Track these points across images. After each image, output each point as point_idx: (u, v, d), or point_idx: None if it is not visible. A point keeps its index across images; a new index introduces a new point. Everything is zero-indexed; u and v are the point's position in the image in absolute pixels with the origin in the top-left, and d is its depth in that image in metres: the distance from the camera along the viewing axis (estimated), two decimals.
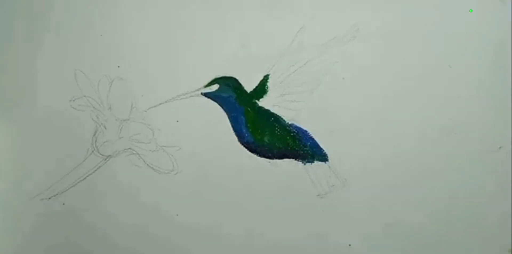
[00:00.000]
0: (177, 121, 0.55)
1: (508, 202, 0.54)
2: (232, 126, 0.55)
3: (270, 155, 0.55)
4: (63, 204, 0.54)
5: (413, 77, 0.56)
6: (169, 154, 0.54)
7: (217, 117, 0.55)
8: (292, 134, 0.55)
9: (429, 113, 0.55)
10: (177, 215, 0.54)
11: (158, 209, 0.54)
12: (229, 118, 0.55)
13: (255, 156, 0.55)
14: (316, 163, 0.55)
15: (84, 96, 0.54)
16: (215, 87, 0.55)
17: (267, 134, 0.55)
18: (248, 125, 0.54)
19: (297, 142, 0.55)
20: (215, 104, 0.55)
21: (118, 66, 0.55)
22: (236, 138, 0.55)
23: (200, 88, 0.55)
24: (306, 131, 0.55)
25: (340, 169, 0.55)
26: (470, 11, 0.57)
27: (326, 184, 0.55)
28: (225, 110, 0.55)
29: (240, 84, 0.55)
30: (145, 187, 0.54)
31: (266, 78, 0.55)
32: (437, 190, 0.54)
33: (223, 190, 0.55)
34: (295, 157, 0.55)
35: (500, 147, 0.55)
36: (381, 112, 0.55)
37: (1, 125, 0.55)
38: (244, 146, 0.55)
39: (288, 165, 0.55)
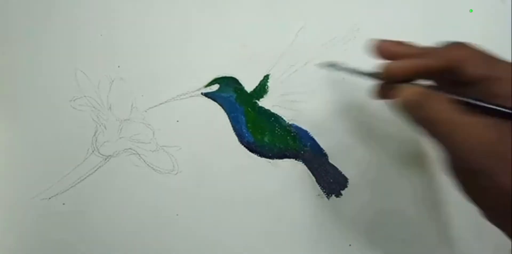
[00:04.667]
0: (177, 121, 0.55)
1: None
2: (232, 126, 0.55)
3: (270, 155, 0.55)
4: (63, 204, 0.53)
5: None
6: (169, 154, 0.54)
7: (217, 117, 0.55)
8: (292, 134, 0.55)
9: None
10: (177, 215, 0.54)
11: (158, 209, 0.54)
12: (229, 118, 0.55)
13: (255, 156, 0.55)
14: None
15: (84, 96, 0.54)
16: (215, 87, 0.55)
17: (267, 134, 0.55)
18: (248, 125, 0.54)
19: (297, 142, 0.55)
20: (215, 104, 0.55)
21: (118, 66, 0.55)
22: (236, 138, 0.55)
23: (200, 88, 0.55)
24: (306, 131, 0.55)
25: (340, 169, 0.55)
26: (470, 11, 0.57)
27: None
28: (225, 110, 0.55)
29: (240, 84, 0.55)
30: (145, 187, 0.54)
31: (266, 78, 0.55)
32: (437, 190, 0.54)
33: (223, 190, 0.55)
34: (295, 157, 0.55)
35: None
36: (381, 112, 0.55)
37: (1, 125, 0.54)
38: (244, 146, 0.55)
39: (288, 165, 0.55)
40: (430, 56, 0.40)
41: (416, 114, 0.38)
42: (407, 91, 0.39)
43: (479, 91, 0.38)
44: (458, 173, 0.38)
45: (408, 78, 0.40)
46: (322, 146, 0.55)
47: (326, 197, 0.55)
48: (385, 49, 0.45)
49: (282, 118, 0.55)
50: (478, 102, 0.37)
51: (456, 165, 0.38)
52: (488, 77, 0.38)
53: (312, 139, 0.55)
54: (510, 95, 0.36)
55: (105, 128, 0.54)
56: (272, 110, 0.56)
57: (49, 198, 0.53)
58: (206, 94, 0.55)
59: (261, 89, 0.56)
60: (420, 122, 0.38)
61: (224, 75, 0.55)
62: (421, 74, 0.40)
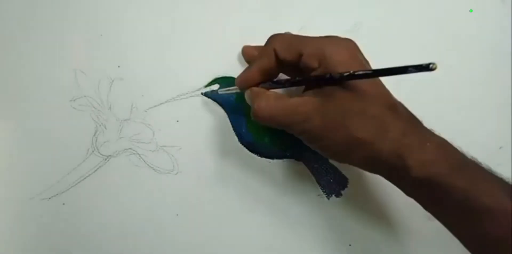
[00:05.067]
0: (177, 121, 0.55)
1: None
2: (232, 126, 0.55)
3: (270, 155, 0.55)
4: (63, 204, 0.54)
5: (413, 77, 0.56)
6: (170, 154, 0.54)
7: (217, 117, 0.55)
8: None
9: (429, 114, 0.55)
10: (177, 215, 0.54)
11: (158, 209, 0.54)
12: (229, 118, 0.55)
13: (255, 156, 0.55)
14: None
15: (84, 96, 0.54)
16: (215, 87, 0.55)
17: (267, 134, 0.55)
18: (248, 125, 0.54)
19: (298, 142, 0.55)
20: (215, 104, 0.55)
21: (118, 66, 0.55)
22: (236, 138, 0.55)
23: (200, 88, 0.55)
24: None
25: (340, 169, 0.55)
26: (470, 11, 0.57)
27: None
28: (225, 110, 0.55)
29: None
30: (145, 187, 0.54)
31: None
32: None
33: (223, 190, 0.55)
34: (295, 157, 0.55)
35: (500, 147, 0.55)
36: None
37: (1, 125, 0.54)
38: (244, 146, 0.55)
39: (288, 165, 0.55)
40: (260, 57, 0.45)
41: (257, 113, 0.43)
42: (246, 95, 0.46)
43: (305, 70, 0.43)
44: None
45: (261, 82, 0.46)
46: None
47: (326, 197, 0.55)
48: (246, 54, 0.53)
49: None
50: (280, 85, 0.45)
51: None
52: (298, 57, 0.43)
53: None
54: (317, 66, 0.41)
55: (105, 127, 0.54)
56: None
57: (49, 198, 0.53)
58: (206, 94, 0.55)
59: None
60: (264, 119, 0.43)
61: (224, 75, 0.55)
62: (265, 75, 0.46)
